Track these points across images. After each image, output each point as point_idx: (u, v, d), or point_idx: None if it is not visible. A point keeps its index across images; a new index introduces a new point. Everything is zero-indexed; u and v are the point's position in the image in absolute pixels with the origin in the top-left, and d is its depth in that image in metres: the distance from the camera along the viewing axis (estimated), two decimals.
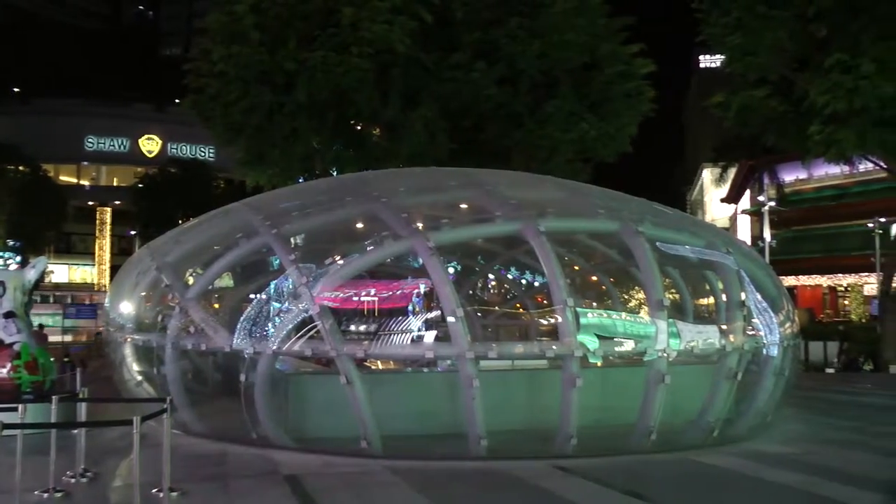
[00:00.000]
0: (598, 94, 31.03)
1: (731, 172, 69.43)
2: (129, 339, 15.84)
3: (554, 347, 12.45)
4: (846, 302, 64.48)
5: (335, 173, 31.59)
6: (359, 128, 32.88)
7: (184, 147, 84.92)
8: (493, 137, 31.13)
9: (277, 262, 14.49)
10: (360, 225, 15.24)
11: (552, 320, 13.67)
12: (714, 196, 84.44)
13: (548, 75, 30.44)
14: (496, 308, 23.79)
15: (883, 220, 49.35)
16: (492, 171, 18.71)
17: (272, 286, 14.51)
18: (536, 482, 10.48)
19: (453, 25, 29.86)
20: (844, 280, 63.88)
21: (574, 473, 11.05)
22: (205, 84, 30.05)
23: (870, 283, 57.66)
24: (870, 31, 29.11)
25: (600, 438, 12.31)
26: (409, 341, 13.01)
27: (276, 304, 13.72)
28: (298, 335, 12.44)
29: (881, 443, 14.17)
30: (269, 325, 13.19)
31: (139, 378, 15.72)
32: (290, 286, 13.04)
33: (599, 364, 12.74)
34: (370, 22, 27.69)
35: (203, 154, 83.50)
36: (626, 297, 22.10)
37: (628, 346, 12.80)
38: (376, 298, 17.12)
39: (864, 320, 55.64)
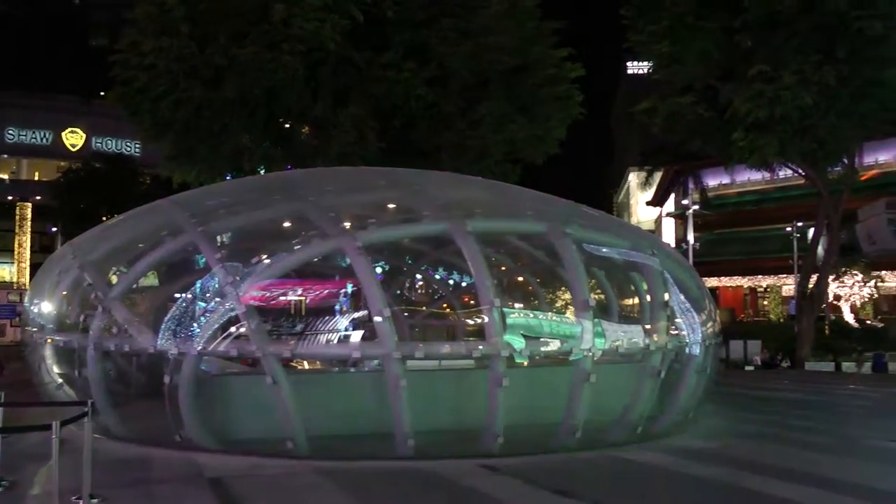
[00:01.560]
0: (528, 96, 31.31)
1: (657, 176, 70.74)
2: (49, 341, 15.47)
3: (480, 347, 12.54)
4: (765, 302, 66.15)
5: (263, 171, 31.32)
6: (288, 126, 32.65)
7: (109, 141, 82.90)
8: (422, 137, 31.18)
9: (204, 260, 14.30)
10: (287, 224, 15.14)
11: (479, 320, 13.78)
12: (640, 199, 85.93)
13: (478, 77, 30.62)
14: (423, 308, 23.84)
15: (801, 224, 50.78)
16: (420, 172, 18.74)
17: (198, 285, 14.29)
18: (463, 481, 10.54)
19: (385, 25, 29.84)
20: (764, 281, 65.56)
21: (501, 472, 11.15)
22: (132, 77, 29.51)
23: (788, 285, 59.27)
24: (791, 45, 30.10)
25: (527, 437, 12.40)
26: (335, 341, 12.99)
27: (202, 304, 13.54)
28: (224, 335, 12.31)
29: (796, 436, 14.83)
30: (195, 325, 13.00)
31: (59, 381, 15.36)
32: (216, 285, 12.89)
33: (526, 364, 12.89)
34: (302, 19, 27.54)
35: (129, 149, 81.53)
36: (552, 297, 22.38)
37: (554, 345, 12.93)
38: (303, 298, 17.03)
39: (782, 319, 57.22)
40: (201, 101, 29.01)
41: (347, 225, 13.57)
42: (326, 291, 17.50)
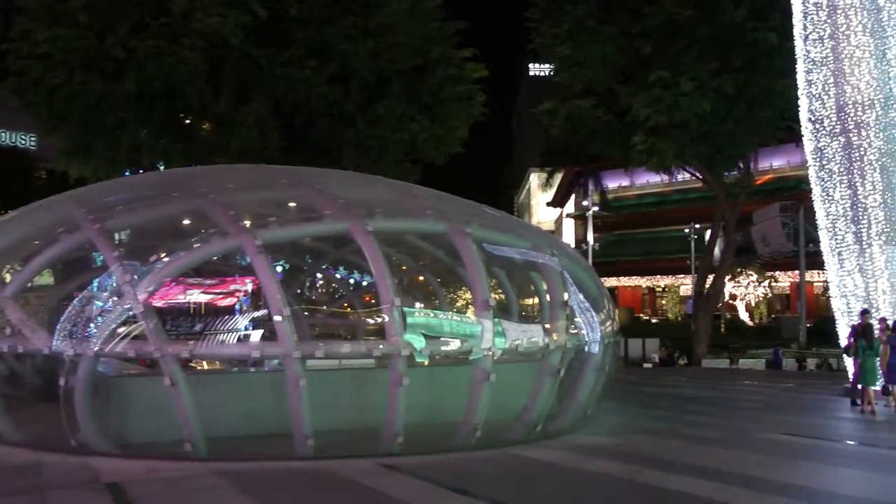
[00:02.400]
0: (430, 96, 31.55)
1: (558, 178, 71.91)
2: None
3: (381, 347, 12.58)
4: (664, 302, 67.90)
5: (162, 167, 30.75)
6: (188, 121, 32.15)
7: (3, 133, 79.91)
8: (323, 136, 31.18)
9: (101, 258, 13.98)
10: (186, 221, 14.90)
11: (379, 320, 13.79)
12: (541, 200, 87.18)
13: (380, 76, 30.70)
14: (324, 307, 23.69)
15: (698, 225, 52.31)
16: (321, 170, 18.69)
17: (95, 284, 13.99)
18: (363, 481, 10.55)
19: (287, 22, 29.68)
20: (662, 281, 67.37)
21: (401, 471, 11.19)
22: (26, 67, 28.58)
23: (685, 284, 61.00)
24: (690, 52, 31.03)
25: (427, 436, 12.50)
26: (235, 341, 12.84)
27: (99, 304, 13.24)
28: (122, 336, 12.05)
29: (692, 431, 15.32)
30: (91, 325, 12.70)
31: None
32: (114, 284, 12.62)
33: (426, 363, 12.96)
34: (203, 14, 27.18)
35: (24, 142, 78.79)
36: (453, 296, 22.52)
37: (455, 345, 13.04)
38: (202, 297, 16.78)
39: (679, 318, 58.84)
40: (99, 95, 28.33)
41: (247, 223, 13.44)
42: (226, 290, 17.27)
